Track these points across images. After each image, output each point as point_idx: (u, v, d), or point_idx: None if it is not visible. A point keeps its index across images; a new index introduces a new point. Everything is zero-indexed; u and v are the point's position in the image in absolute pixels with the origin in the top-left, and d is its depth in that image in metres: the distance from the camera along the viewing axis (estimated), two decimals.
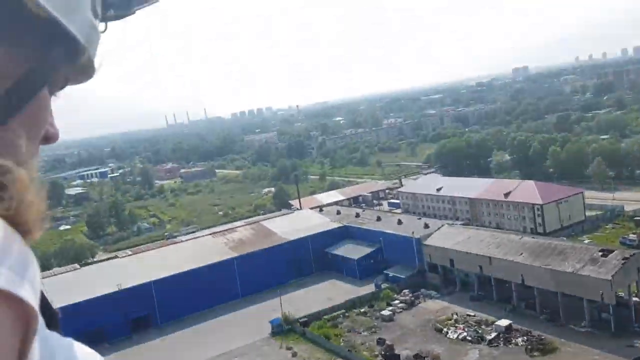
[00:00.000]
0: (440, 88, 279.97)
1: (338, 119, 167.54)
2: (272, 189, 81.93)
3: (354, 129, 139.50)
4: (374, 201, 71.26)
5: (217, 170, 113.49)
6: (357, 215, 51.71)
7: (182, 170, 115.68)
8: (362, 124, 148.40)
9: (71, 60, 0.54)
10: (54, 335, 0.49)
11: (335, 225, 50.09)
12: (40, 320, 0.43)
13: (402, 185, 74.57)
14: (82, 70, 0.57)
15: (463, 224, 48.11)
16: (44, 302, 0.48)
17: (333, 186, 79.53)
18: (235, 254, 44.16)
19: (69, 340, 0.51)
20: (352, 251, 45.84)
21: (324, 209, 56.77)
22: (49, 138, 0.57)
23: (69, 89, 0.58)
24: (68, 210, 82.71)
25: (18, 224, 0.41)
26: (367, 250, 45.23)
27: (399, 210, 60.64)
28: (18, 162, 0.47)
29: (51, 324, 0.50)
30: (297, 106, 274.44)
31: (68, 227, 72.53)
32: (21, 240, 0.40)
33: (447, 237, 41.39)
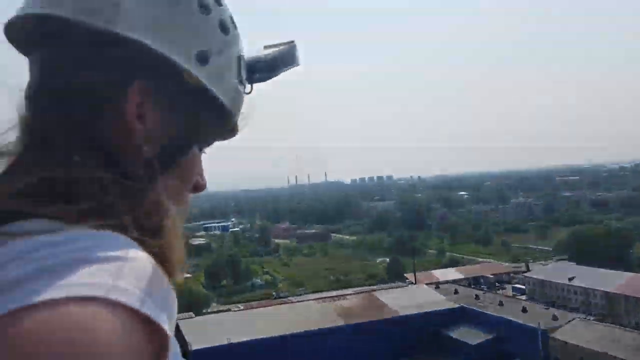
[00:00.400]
0: (576, 169, 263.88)
1: (461, 193, 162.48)
2: (387, 259, 79.74)
3: (478, 205, 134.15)
4: (496, 284, 66.49)
5: (332, 234, 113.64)
6: (477, 297, 48.02)
7: (299, 231, 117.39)
8: (487, 200, 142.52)
9: (218, 124, 0.59)
10: None
11: (452, 305, 46.84)
12: (177, 350, 0.49)
13: (528, 270, 69.09)
14: (228, 130, 0.62)
15: (597, 320, 42.73)
16: (181, 338, 0.53)
17: (452, 263, 75.82)
18: (343, 322, 42.67)
19: None
20: (469, 335, 42.32)
21: (440, 286, 53.69)
22: (198, 188, 0.62)
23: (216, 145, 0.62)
24: (190, 259, 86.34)
25: (164, 264, 0.44)
26: (485, 336, 41.53)
27: (523, 297, 55.76)
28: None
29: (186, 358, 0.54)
30: (419, 177, 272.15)
31: (189, 275, 75.49)
32: (167, 278, 0.43)
33: (578, 333, 36.67)
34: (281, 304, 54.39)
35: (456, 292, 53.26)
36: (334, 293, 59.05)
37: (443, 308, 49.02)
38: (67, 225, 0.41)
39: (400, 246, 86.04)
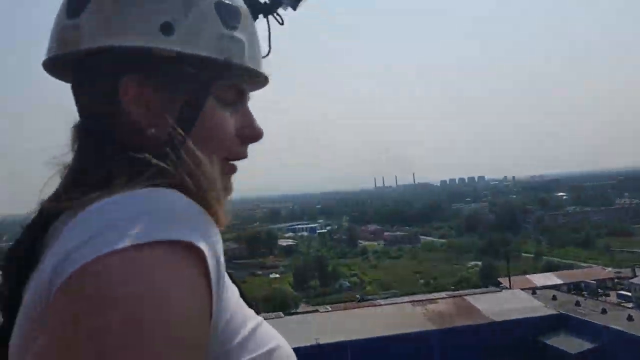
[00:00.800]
0: None
1: (560, 194, 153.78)
2: (479, 263, 76.97)
3: (579, 207, 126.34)
4: (599, 290, 62.08)
5: (421, 237, 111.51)
6: (577, 304, 44.74)
7: (386, 233, 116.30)
8: (588, 202, 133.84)
9: (216, 76, 0.60)
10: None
11: (550, 311, 43.93)
12: (236, 292, 0.57)
13: (635, 276, 63.97)
14: (246, 77, 0.64)
15: None
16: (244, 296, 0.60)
17: (549, 267, 71.78)
18: (433, 327, 41.34)
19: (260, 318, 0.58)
20: (569, 344, 39.40)
21: (537, 291, 50.64)
22: (251, 137, 0.64)
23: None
24: (279, 260, 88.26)
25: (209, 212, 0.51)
26: (587, 345, 38.42)
27: (630, 305, 51.52)
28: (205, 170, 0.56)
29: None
30: (513, 177, 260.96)
31: (277, 275, 77.02)
32: (210, 219, 0.50)
33: None
34: (369, 306, 53.86)
35: (554, 298, 50.19)
36: (424, 296, 57.73)
37: (540, 315, 46.24)
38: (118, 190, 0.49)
39: (493, 249, 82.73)
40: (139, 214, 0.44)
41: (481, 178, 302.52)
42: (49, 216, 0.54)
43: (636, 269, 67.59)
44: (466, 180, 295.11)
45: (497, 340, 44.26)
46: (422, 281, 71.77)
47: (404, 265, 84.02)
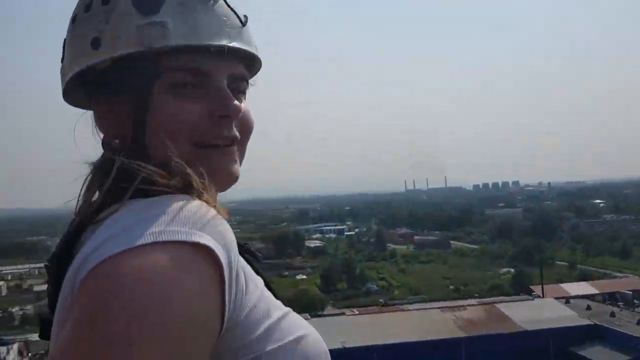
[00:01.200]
0: None
1: (597, 201, 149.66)
2: (512, 270, 75.39)
3: (617, 215, 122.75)
4: (635, 301, 59.96)
5: (451, 242, 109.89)
6: (612, 315, 43.39)
7: (416, 237, 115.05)
8: (626, 210, 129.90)
9: (155, 68, 0.60)
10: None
11: (584, 322, 42.68)
12: (259, 283, 0.58)
13: None
14: (197, 56, 0.61)
15: None
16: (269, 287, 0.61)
17: (584, 276, 69.78)
18: (463, 334, 40.54)
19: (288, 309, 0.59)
20: (603, 356, 38.15)
21: (571, 301, 49.35)
22: (222, 116, 0.63)
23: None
24: (306, 261, 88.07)
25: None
26: (621, 357, 37.23)
27: None
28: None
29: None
30: (549, 183, 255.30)
31: (304, 277, 76.84)
32: (213, 211, 0.52)
33: None
34: (397, 310, 53.21)
35: (588, 308, 48.68)
36: (453, 303, 56.73)
37: (574, 325, 44.85)
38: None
39: (526, 257, 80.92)
40: (150, 218, 0.48)
41: (515, 183, 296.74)
42: (83, 222, 0.58)
43: None
44: (500, 185, 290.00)
45: (528, 349, 42.78)
46: (451, 287, 70.60)
47: (434, 270, 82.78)
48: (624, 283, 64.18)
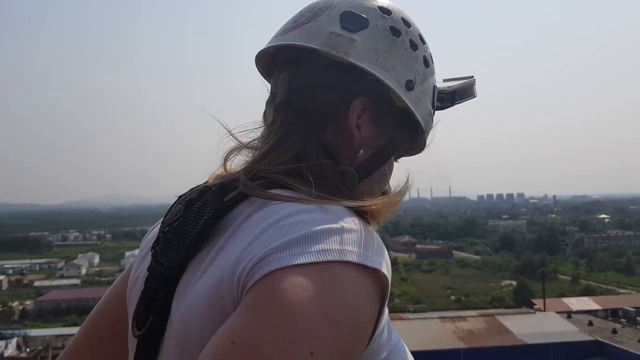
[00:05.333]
0: None
1: (602, 216, 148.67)
2: (514, 283, 74.88)
3: (621, 231, 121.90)
4: (638, 318, 59.27)
5: (454, 252, 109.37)
6: (614, 332, 42.80)
7: (418, 246, 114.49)
8: (632, 225, 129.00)
9: (412, 140, 0.73)
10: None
11: (585, 337, 42.12)
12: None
13: None
14: (417, 147, 0.75)
15: None
16: None
17: (587, 292, 69.17)
18: (462, 345, 40.10)
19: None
20: None
21: (572, 316, 48.80)
22: (385, 194, 0.72)
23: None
24: None
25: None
26: None
27: None
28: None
29: None
30: (554, 196, 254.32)
31: None
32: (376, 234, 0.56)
33: None
34: (397, 319, 52.83)
35: (590, 323, 48.14)
36: (454, 313, 56.27)
37: (575, 340, 44.30)
38: (309, 198, 0.57)
39: (529, 269, 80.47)
40: (335, 233, 0.50)
41: (520, 195, 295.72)
42: (226, 193, 0.62)
43: None
44: (504, 197, 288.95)
45: None
46: (453, 297, 70.19)
47: (435, 280, 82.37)
48: (627, 299, 63.50)
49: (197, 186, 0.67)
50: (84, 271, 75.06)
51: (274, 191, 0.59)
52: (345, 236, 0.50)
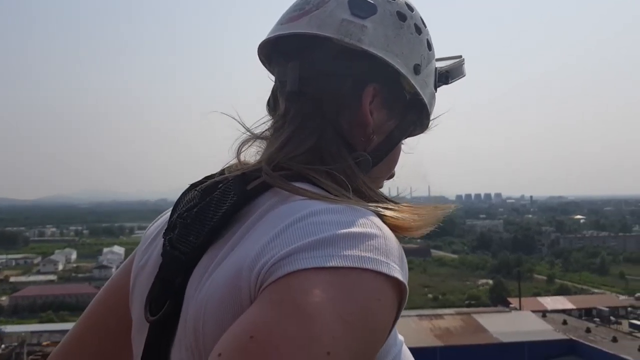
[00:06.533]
0: None
1: (578, 217, 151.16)
2: (490, 282, 75.93)
3: (596, 231, 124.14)
4: (611, 317, 60.63)
5: (432, 250, 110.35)
6: (588, 331, 43.75)
7: None
8: (606, 227, 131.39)
9: (419, 123, 0.74)
10: None
11: (560, 336, 42.98)
12: None
13: None
14: (422, 128, 0.76)
15: None
16: None
17: (562, 291, 70.54)
18: (439, 343, 40.60)
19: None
20: None
21: (547, 315, 49.75)
22: (391, 177, 0.75)
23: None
24: None
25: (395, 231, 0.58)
26: None
27: None
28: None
29: None
30: (531, 197, 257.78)
31: None
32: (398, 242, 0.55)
33: None
34: None
35: (565, 322, 49.00)
36: (431, 311, 56.75)
37: (549, 339, 45.04)
38: (335, 198, 0.57)
39: (505, 269, 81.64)
40: (359, 238, 0.50)
41: (498, 195, 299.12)
42: (246, 183, 0.61)
43: None
44: (482, 197, 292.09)
45: None
46: (430, 296, 70.93)
47: (413, 279, 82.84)
48: (601, 299, 64.82)
49: (213, 174, 0.66)
50: (60, 267, 74.19)
51: (297, 184, 0.59)
52: (369, 242, 0.50)
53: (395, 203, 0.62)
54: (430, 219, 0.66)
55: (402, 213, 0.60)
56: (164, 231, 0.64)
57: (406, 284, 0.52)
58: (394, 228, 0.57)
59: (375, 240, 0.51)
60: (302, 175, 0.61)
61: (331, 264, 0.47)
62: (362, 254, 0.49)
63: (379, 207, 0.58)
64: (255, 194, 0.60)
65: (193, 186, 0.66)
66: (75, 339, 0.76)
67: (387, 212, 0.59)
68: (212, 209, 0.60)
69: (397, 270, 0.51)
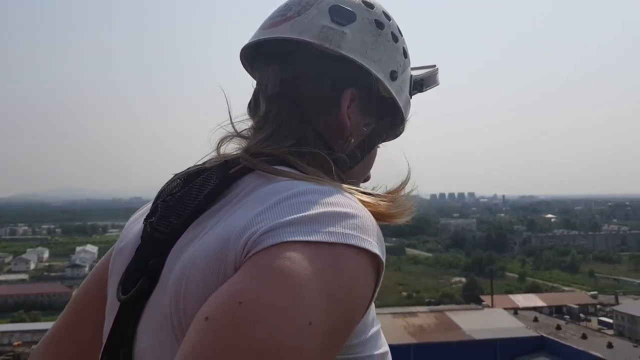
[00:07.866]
0: None
1: (549, 216, 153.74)
2: (463, 280, 76.93)
3: (567, 230, 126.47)
4: (581, 315, 62.04)
5: (407, 249, 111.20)
6: (558, 328, 44.70)
7: None
8: (576, 226, 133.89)
9: (393, 127, 0.77)
10: None
11: (531, 333, 43.80)
12: None
13: (618, 303, 64.09)
14: (397, 133, 0.79)
15: None
16: None
17: (533, 289, 71.83)
18: (413, 340, 41.02)
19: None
20: None
21: (519, 312, 50.68)
22: (367, 179, 0.78)
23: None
24: None
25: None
26: None
27: (610, 332, 51.50)
28: None
29: None
30: (503, 196, 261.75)
31: None
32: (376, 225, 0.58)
33: None
34: None
35: (536, 320, 49.95)
36: (405, 309, 57.22)
37: (521, 336, 45.86)
38: (317, 178, 0.60)
39: (478, 267, 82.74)
40: (343, 217, 0.53)
41: (471, 194, 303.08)
42: (230, 167, 0.64)
43: (619, 296, 67.78)
44: (456, 196, 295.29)
45: (476, 358, 43.72)
46: (404, 293, 71.52)
47: (387, 277, 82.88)
48: (571, 297, 66.25)
49: (195, 165, 0.68)
50: (32, 266, 73.00)
51: (279, 168, 0.61)
52: (352, 221, 0.53)
53: (372, 194, 0.65)
54: (406, 208, 0.68)
55: (380, 200, 0.64)
56: (145, 216, 0.66)
57: (383, 262, 0.55)
58: (373, 215, 0.59)
59: (357, 220, 0.53)
60: (284, 160, 0.63)
61: (317, 238, 0.50)
62: (346, 231, 0.51)
63: (360, 192, 0.62)
64: (238, 176, 0.62)
65: (177, 176, 0.67)
66: (59, 329, 0.76)
67: (367, 198, 0.61)
68: (194, 192, 0.62)
69: (377, 247, 0.54)
